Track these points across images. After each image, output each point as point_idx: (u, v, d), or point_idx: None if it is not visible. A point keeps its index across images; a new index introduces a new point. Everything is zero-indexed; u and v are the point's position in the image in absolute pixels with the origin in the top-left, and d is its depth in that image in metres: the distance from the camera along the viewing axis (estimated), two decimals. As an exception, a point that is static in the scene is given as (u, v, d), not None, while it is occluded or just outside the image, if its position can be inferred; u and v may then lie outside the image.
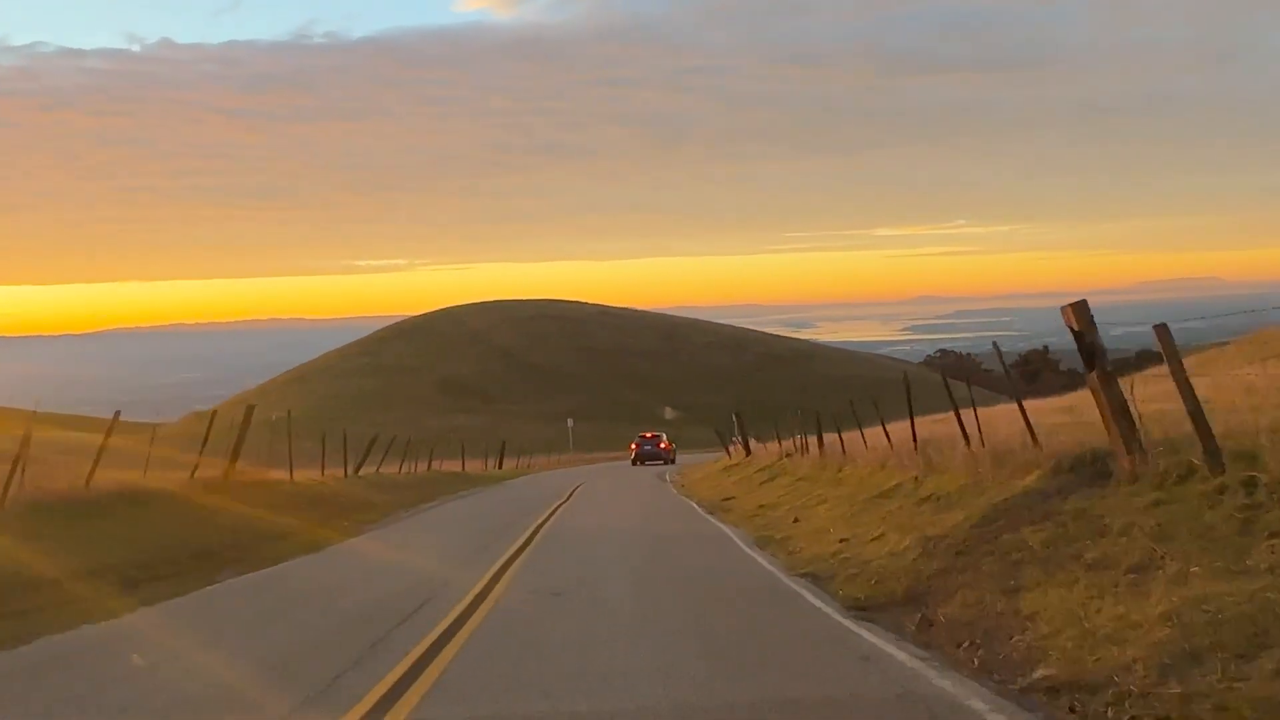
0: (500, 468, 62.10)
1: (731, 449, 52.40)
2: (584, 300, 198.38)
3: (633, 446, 57.34)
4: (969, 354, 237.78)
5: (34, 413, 19.57)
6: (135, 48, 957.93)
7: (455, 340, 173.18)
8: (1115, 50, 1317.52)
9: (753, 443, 49.38)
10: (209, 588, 14.60)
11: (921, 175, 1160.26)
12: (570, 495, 32.68)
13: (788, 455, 36.66)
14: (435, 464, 51.37)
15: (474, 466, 60.08)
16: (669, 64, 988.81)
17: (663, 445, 58.68)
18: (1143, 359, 29.43)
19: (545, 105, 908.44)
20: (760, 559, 15.90)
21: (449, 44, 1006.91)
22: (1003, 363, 20.13)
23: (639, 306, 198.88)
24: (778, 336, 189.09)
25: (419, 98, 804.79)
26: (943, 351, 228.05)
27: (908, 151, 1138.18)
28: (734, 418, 52.98)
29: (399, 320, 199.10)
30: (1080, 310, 12.55)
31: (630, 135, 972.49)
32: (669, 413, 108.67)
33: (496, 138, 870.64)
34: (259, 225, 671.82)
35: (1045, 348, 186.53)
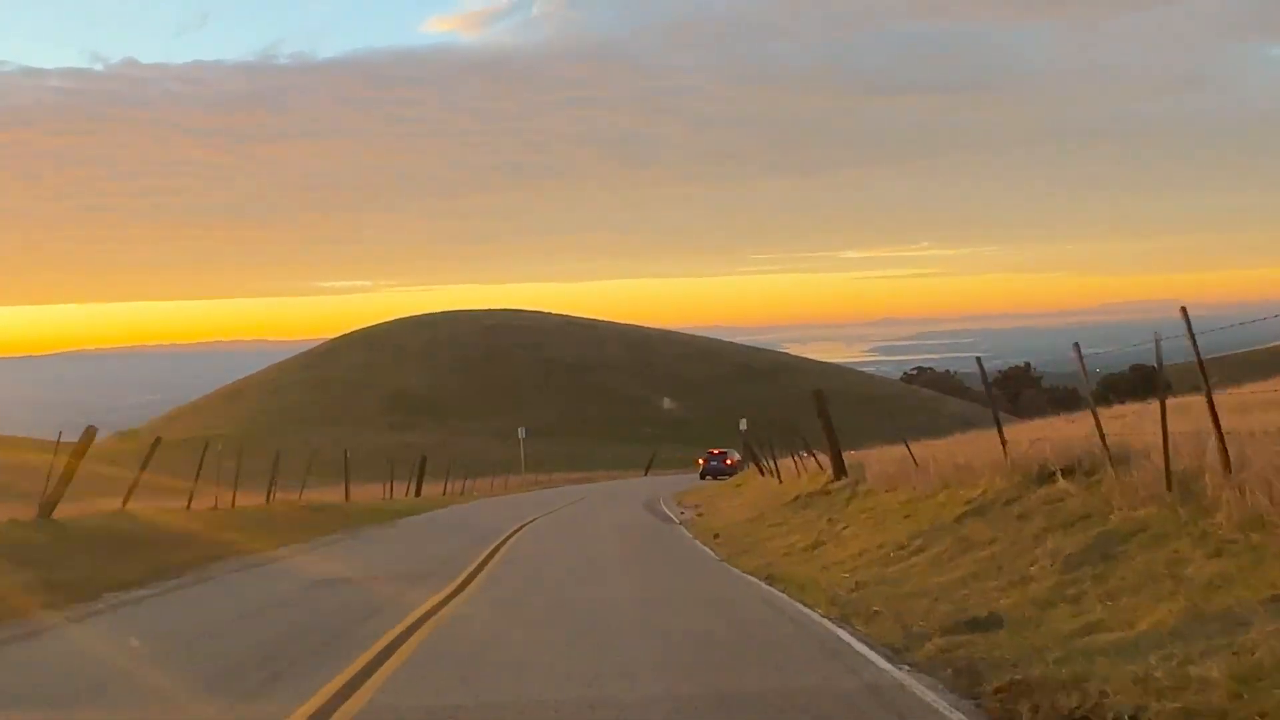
0: (418, 494, 47.55)
1: (755, 467, 45.03)
2: (547, 310, 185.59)
3: (700, 461, 56.71)
4: (950, 371, 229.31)
5: None
6: (98, 67, 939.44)
7: (407, 352, 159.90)
8: (1081, 74, 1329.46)
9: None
10: None
11: (887, 197, 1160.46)
12: (485, 561, 18.08)
13: (832, 483, 26.93)
14: (361, 488, 38.70)
15: (402, 491, 48.05)
16: (636, 85, 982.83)
17: (729, 461, 56.44)
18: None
19: (512, 126, 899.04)
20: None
21: (416, 65, 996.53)
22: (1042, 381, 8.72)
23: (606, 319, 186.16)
24: (754, 348, 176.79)
25: (386, 118, 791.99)
26: (919, 369, 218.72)
27: (873, 173, 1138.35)
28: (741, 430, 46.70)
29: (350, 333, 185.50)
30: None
31: (597, 156, 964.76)
32: (667, 403, 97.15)
33: (463, 158, 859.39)
34: (224, 245, 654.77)
35: (1028, 364, 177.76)
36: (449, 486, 53.48)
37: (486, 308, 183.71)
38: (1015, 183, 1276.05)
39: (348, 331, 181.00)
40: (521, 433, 74.83)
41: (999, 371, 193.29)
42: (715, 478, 53.51)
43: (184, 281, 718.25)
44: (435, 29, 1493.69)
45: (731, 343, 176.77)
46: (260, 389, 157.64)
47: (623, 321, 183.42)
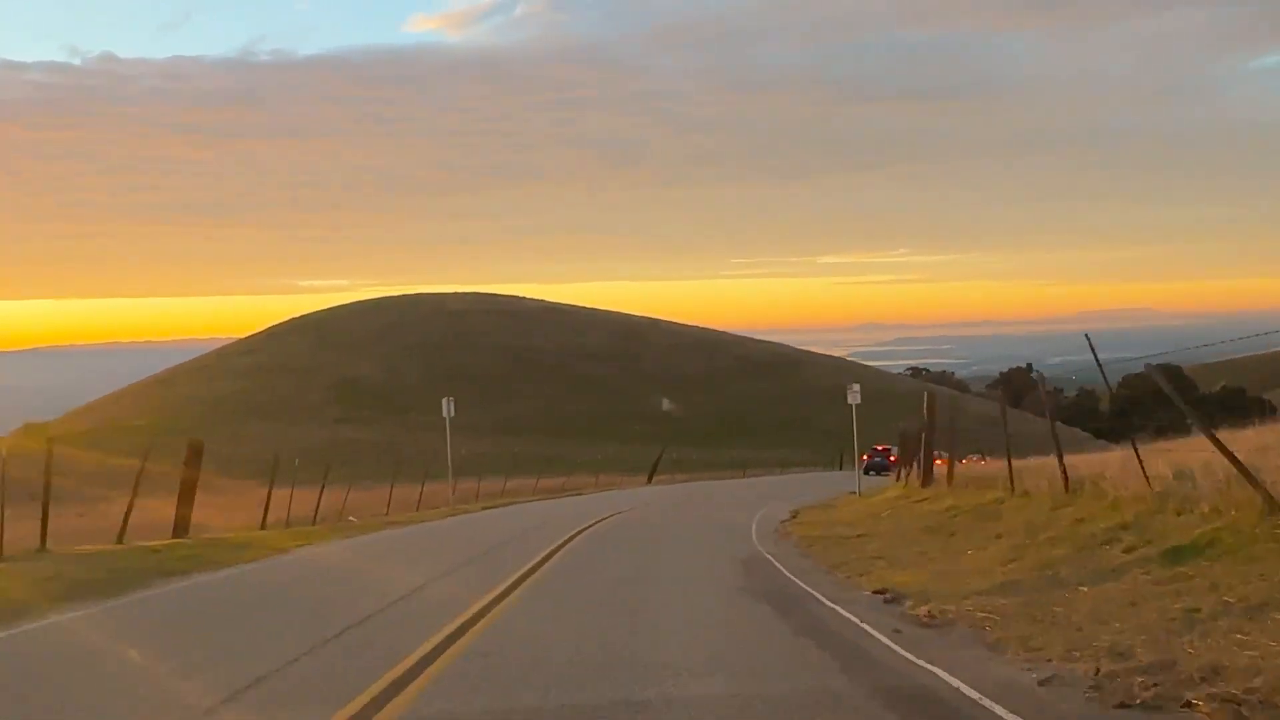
0: (314, 521, 27.26)
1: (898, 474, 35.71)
2: (525, 295, 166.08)
3: (864, 457, 51.97)
4: (949, 373, 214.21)
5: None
6: (77, 61, 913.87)
7: (361, 336, 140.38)
8: (1058, 83, 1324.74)
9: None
10: None
11: (867, 203, 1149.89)
12: None
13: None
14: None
15: (348, 500, 30.30)
16: (620, 88, 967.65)
17: (892, 459, 53.71)
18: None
19: (495, 126, 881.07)
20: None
21: (399, 64, 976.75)
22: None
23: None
24: (755, 340, 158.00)
25: (368, 117, 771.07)
26: (914, 370, 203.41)
27: (854, 179, 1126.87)
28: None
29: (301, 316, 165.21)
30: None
31: (580, 157, 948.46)
32: (666, 404, 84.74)
33: (446, 158, 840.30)
34: (204, 243, 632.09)
35: (1029, 366, 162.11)
36: (381, 499, 34.34)
37: (454, 290, 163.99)
38: (995, 190, 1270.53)
39: (297, 315, 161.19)
40: (448, 408, 39.05)
41: (1000, 373, 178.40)
42: (878, 473, 50.63)
43: (163, 278, 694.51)
44: (418, 28, 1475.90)
45: (728, 333, 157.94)
46: (191, 377, 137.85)
47: (607, 309, 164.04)
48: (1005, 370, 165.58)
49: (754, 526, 22.99)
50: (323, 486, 28.80)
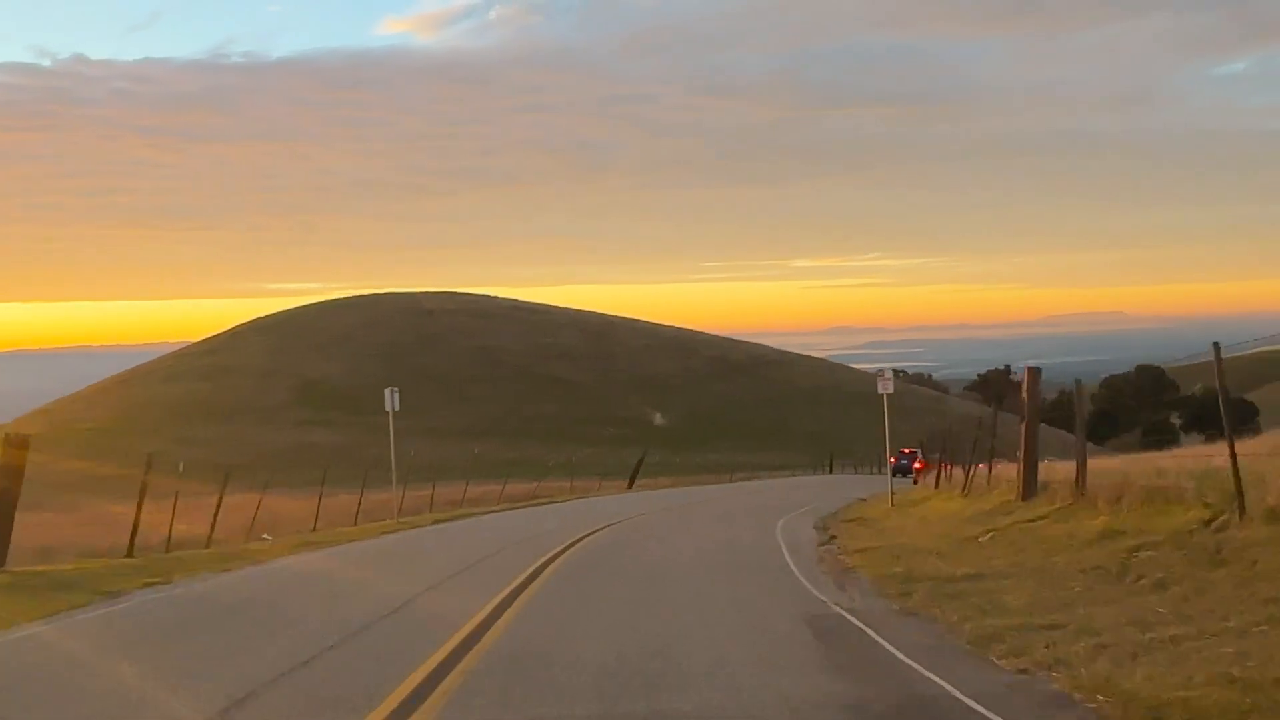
0: (207, 543, 22.44)
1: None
2: (492, 293, 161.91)
3: (891, 460, 46.32)
4: (927, 374, 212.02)
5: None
6: (46, 62, 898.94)
7: (326, 337, 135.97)
8: (1029, 89, 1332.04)
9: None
10: None
11: (839, 207, 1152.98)
12: None
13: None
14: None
15: (280, 507, 27.55)
16: (592, 92, 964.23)
17: (917, 465, 50.86)
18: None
19: (467, 130, 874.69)
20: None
21: (370, 66, 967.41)
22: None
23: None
24: (731, 340, 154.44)
25: (338, 120, 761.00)
26: (893, 371, 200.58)
27: (826, 184, 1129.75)
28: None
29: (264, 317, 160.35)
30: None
31: (552, 162, 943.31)
32: (658, 418, 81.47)
33: (417, 161, 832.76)
34: (172, 246, 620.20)
35: (1007, 368, 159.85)
36: (306, 508, 29.92)
37: (422, 289, 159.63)
38: (965, 195, 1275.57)
39: (260, 316, 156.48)
40: (391, 400, 32.64)
41: (978, 375, 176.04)
42: (905, 476, 47.93)
43: (132, 282, 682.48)
44: (390, 30, 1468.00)
45: (703, 334, 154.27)
46: (149, 378, 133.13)
47: (579, 309, 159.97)
48: (983, 373, 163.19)
49: (786, 551, 17.70)
50: (219, 498, 23.55)
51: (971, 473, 23.98)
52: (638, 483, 59.48)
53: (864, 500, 33.58)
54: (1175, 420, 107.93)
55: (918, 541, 17.75)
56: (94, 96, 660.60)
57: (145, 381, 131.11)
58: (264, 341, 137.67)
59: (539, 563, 16.05)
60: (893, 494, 28.50)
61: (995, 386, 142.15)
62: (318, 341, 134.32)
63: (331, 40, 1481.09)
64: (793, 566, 15.59)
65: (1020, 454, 21.07)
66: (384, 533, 25.11)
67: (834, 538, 19.97)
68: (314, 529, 26.65)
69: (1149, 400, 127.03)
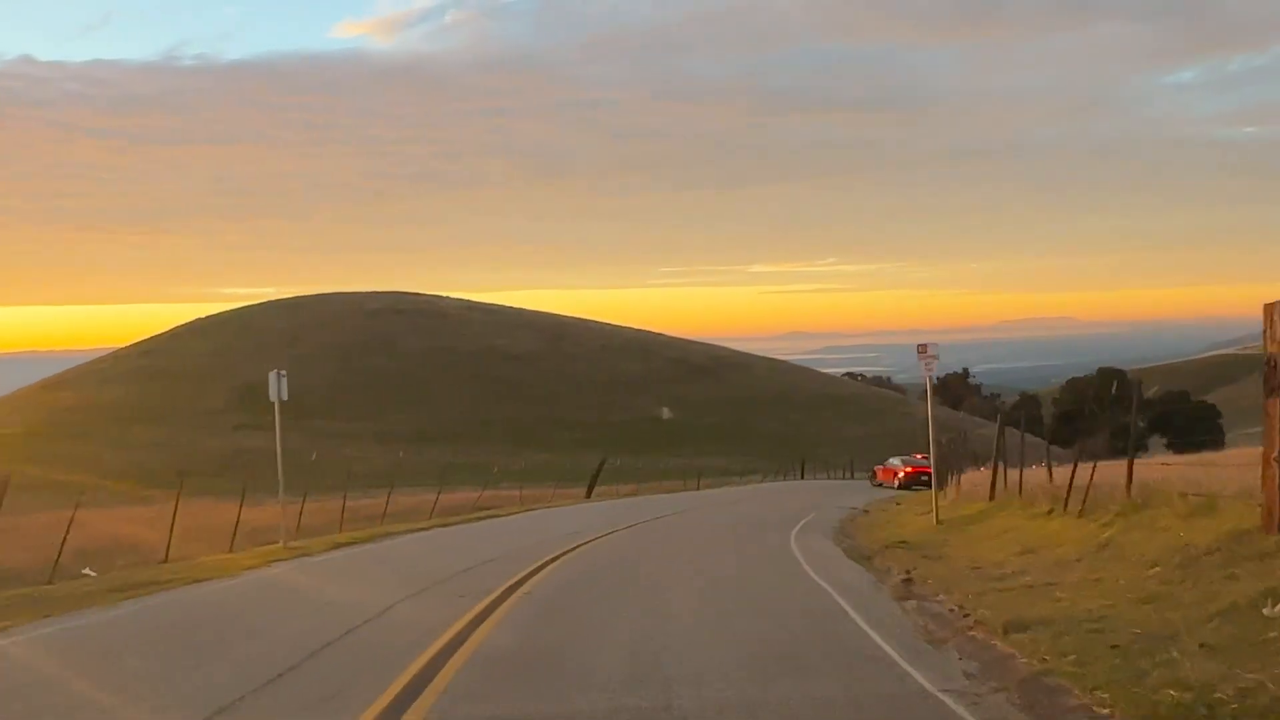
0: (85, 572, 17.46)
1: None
2: (445, 294, 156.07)
3: (908, 470, 49.36)
4: (886, 377, 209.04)
5: None
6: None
7: (269, 338, 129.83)
8: (982, 97, 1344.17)
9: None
10: None
11: (796, 213, 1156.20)
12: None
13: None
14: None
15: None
16: (551, 96, 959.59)
17: (908, 469, 49.24)
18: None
19: (425, 134, 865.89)
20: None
21: (326, 69, 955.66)
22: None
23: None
24: (692, 342, 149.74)
25: (294, 123, 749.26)
26: (850, 374, 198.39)
27: (784, 189, 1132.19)
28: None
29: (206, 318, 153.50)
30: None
31: (511, 166, 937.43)
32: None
33: (375, 166, 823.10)
34: (123, 250, 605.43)
35: (965, 371, 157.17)
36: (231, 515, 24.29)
37: (369, 289, 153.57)
38: (919, 201, 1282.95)
39: (200, 316, 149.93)
40: (277, 386, 25.12)
41: (937, 379, 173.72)
42: (912, 488, 46.39)
43: (84, 286, 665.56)
44: (346, 34, 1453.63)
45: (662, 335, 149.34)
46: (82, 381, 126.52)
47: (534, 309, 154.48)
48: (941, 376, 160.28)
49: (852, 610, 11.00)
50: (73, 516, 18.45)
51: (1053, 483, 18.65)
52: (597, 489, 54.42)
53: (866, 512, 28.84)
54: (1141, 424, 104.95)
55: (1111, 605, 9.68)
56: (44, 98, 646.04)
57: (78, 384, 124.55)
58: (204, 343, 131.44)
59: (445, 638, 9.31)
60: (937, 509, 21.92)
61: (954, 390, 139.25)
62: (261, 344, 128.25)
63: (287, 43, 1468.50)
64: (901, 661, 8.37)
65: (1076, 460, 16.65)
66: (265, 563, 18.61)
67: (909, 581, 13.03)
68: (164, 559, 20.58)
69: (1106, 403, 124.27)
